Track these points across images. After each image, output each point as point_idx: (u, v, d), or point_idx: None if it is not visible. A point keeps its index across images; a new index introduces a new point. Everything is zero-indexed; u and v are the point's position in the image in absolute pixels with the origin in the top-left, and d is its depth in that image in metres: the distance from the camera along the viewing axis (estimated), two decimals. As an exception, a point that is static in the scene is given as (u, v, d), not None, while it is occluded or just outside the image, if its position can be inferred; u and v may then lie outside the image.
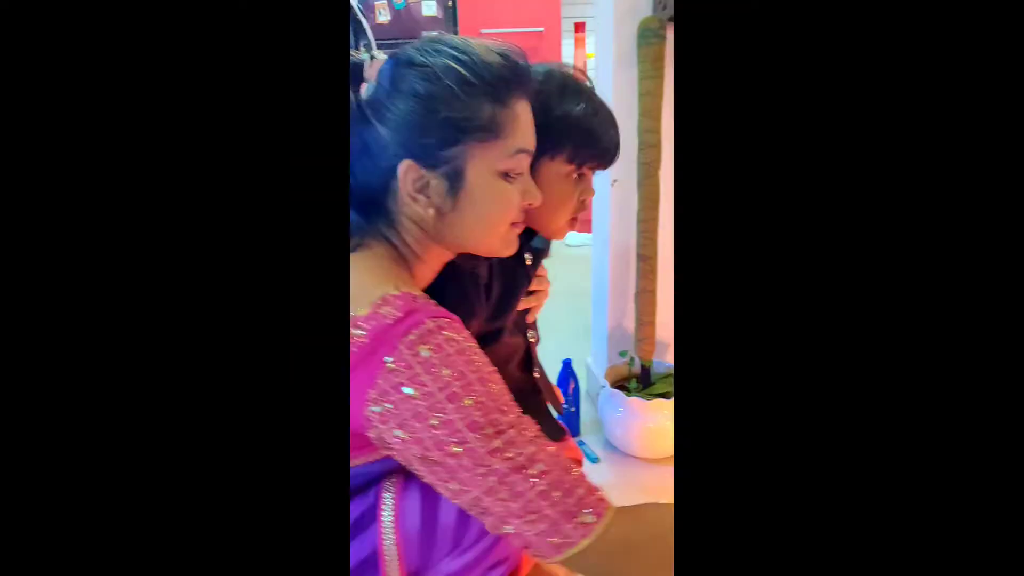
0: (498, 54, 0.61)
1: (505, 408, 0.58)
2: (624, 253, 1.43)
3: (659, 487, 1.29)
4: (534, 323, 0.92)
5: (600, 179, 1.44)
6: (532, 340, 0.91)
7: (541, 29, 3.09)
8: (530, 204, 0.65)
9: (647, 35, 1.18)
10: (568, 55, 3.23)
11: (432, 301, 0.61)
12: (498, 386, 0.58)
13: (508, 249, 0.67)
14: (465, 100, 0.58)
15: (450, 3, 3.01)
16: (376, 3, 2.99)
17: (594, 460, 1.42)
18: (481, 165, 0.60)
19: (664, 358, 1.53)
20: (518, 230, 0.66)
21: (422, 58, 0.60)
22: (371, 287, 0.59)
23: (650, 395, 1.35)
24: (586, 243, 2.88)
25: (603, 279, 1.51)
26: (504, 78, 0.60)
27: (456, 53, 0.59)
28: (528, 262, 0.81)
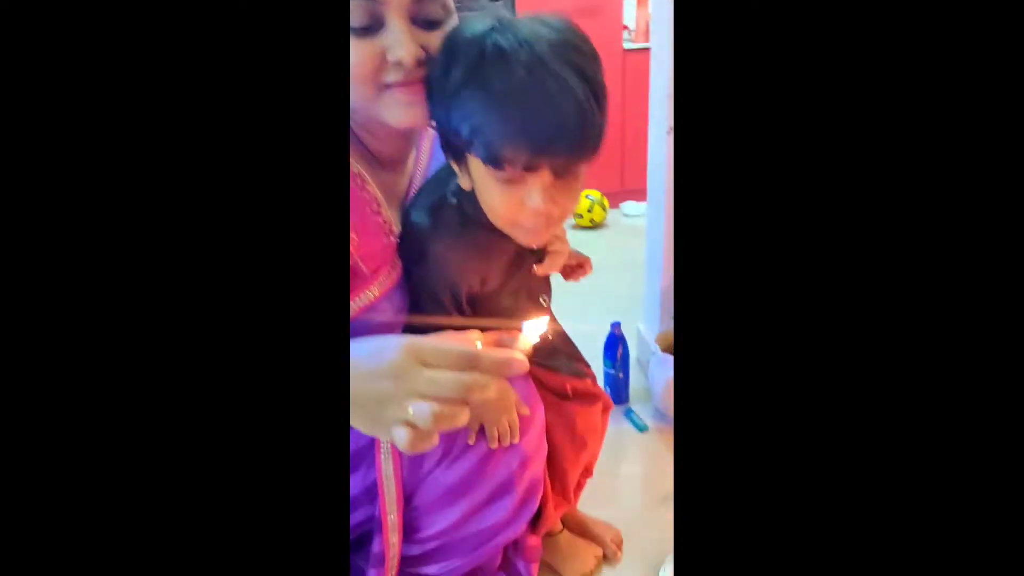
0: None
1: None
2: (681, 208, 1.32)
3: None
4: (548, 287, 0.87)
5: (657, 126, 1.35)
6: (544, 305, 0.85)
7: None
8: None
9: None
10: (630, 15, 3.08)
11: None
12: None
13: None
14: None
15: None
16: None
17: (642, 429, 1.33)
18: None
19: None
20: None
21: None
22: None
23: (705, 360, 1.25)
24: (642, 213, 2.76)
25: (657, 238, 1.41)
26: None
27: None
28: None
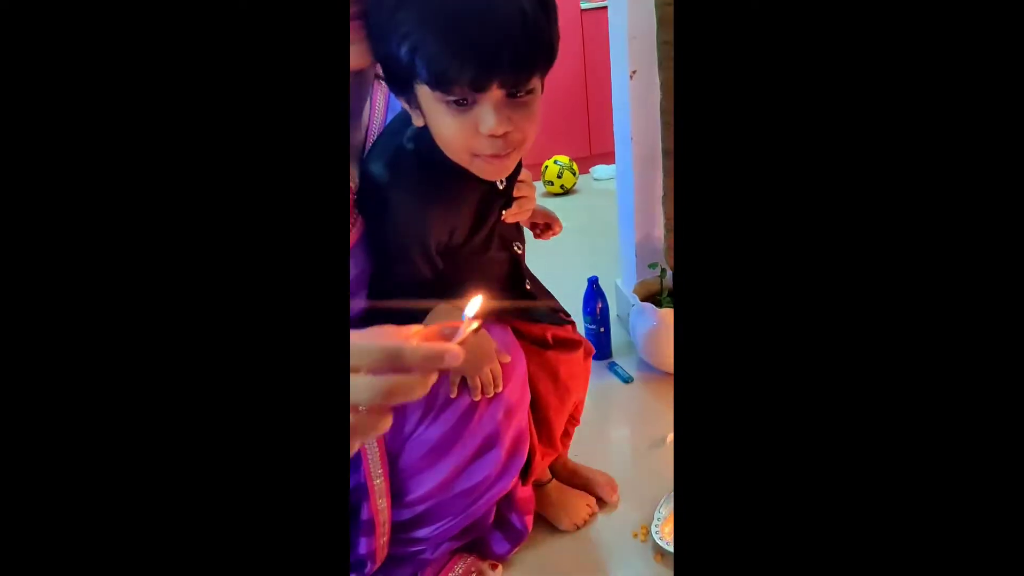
0: None
1: None
2: (649, 155, 1.30)
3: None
4: (521, 234, 0.84)
5: (619, 76, 1.32)
6: (519, 252, 0.83)
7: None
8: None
9: None
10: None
11: None
12: None
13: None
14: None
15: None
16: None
17: (627, 380, 1.33)
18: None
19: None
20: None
21: None
22: None
23: (684, 305, 1.24)
24: (612, 176, 2.74)
25: (628, 188, 1.39)
26: None
27: None
28: (501, 185, 0.73)
